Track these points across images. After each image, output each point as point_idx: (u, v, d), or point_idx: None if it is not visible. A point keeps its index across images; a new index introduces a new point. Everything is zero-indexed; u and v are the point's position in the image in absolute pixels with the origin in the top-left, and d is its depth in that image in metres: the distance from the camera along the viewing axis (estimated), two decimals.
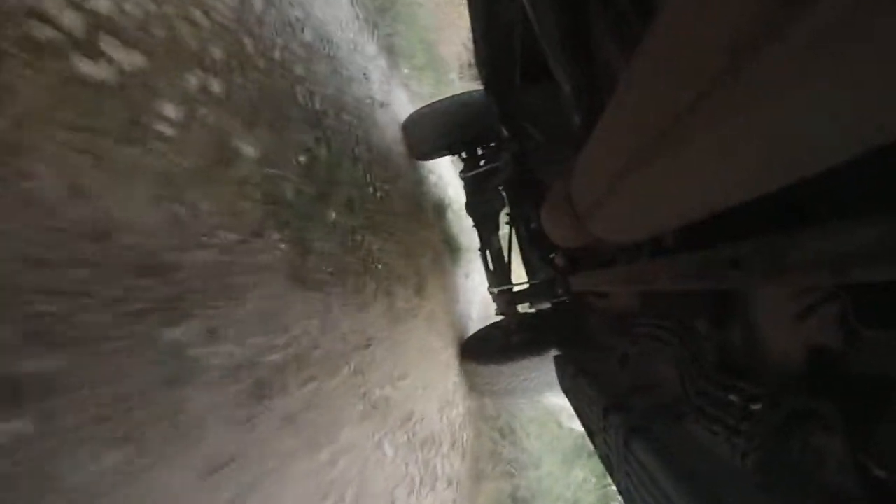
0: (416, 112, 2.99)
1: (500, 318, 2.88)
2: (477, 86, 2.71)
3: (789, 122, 0.23)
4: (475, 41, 1.53)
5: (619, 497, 0.91)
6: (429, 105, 2.95)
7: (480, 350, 2.82)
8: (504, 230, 2.84)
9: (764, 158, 0.28)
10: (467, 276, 4.54)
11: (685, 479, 0.60)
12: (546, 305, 2.68)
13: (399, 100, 3.53)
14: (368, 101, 2.57)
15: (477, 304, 4.60)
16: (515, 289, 2.79)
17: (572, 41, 0.71)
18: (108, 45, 0.79)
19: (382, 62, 3.38)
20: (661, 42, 0.32)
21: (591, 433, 1.16)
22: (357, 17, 2.95)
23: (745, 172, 0.31)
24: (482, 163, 2.81)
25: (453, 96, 2.89)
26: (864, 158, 0.23)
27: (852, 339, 0.36)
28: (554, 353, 2.23)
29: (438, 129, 2.78)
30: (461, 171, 2.97)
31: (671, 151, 0.34)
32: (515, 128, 1.69)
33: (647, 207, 0.47)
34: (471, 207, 2.93)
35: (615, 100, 0.44)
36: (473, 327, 3.52)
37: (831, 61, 0.19)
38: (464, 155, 2.88)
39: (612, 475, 0.96)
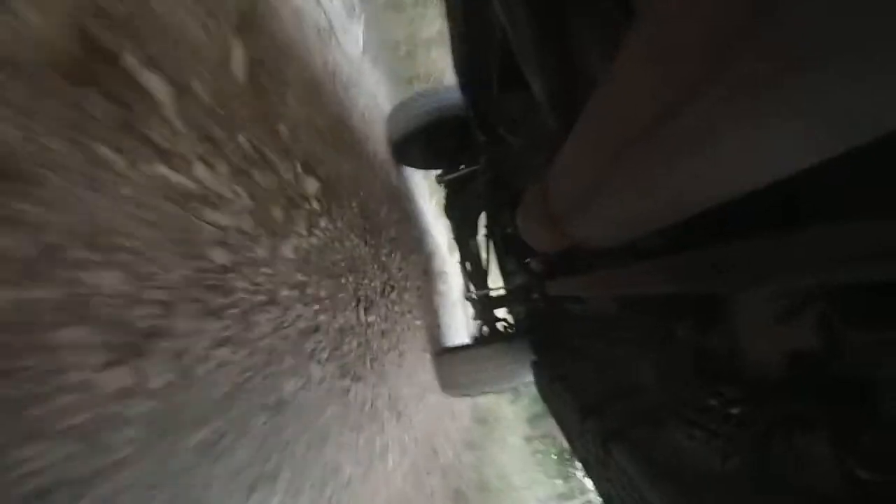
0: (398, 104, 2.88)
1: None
2: None
3: (770, 121, 0.23)
4: (452, 46, 1.52)
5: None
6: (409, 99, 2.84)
7: (454, 347, 2.90)
8: (482, 234, 2.85)
9: (744, 160, 0.28)
10: None
11: (665, 483, 0.59)
12: (521, 311, 2.71)
13: None
14: None
15: None
16: (492, 293, 2.82)
17: (546, 43, 0.71)
18: None
19: None
20: (641, 44, 0.31)
21: (569, 438, 1.15)
22: None
23: (725, 174, 0.31)
24: (461, 167, 2.80)
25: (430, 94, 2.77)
26: (848, 161, 0.23)
27: (835, 342, 0.36)
28: (524, 342, 2.28)
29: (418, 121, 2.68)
30: (438, 176, 2.96)
31: (650, 153, 0.34)
32: (492, 133, 1.69)
33: (625, 210, 0.46)
34: (449, 212, 2.93)
35: (593, 102, 0.44)
36: None
37: (811, 61, 0.19)
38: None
39: (591, 480, 0.95)
